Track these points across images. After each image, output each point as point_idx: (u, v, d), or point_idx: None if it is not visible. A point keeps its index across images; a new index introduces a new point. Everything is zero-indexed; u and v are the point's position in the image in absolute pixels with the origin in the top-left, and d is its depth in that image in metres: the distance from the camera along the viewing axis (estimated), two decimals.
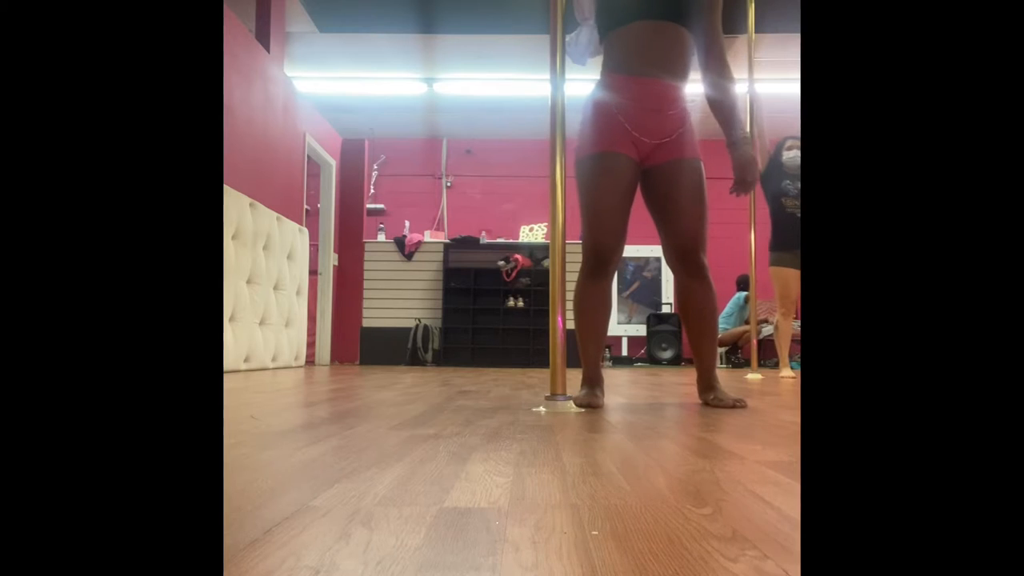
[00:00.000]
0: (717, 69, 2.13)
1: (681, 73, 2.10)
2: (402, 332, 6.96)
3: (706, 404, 2.21)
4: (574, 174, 2.16)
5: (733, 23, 5.02)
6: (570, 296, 2.18)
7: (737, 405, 2.11)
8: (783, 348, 4.60)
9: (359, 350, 7.12)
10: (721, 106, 2.15)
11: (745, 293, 7.36)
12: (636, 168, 2.12)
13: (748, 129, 4.41)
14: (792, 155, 4.51)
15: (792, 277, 4.50)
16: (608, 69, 2.14)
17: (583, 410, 1.97)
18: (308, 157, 6.76)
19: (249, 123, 5.27)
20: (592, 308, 2.17)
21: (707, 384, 2.23)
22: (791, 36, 5.90)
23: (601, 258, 2.11)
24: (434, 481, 0.91)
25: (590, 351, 2.20)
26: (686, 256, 2.13)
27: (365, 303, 7.11)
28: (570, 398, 2.05)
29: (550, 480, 0.93)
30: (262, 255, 5.34)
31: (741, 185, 2.15)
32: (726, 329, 7.24)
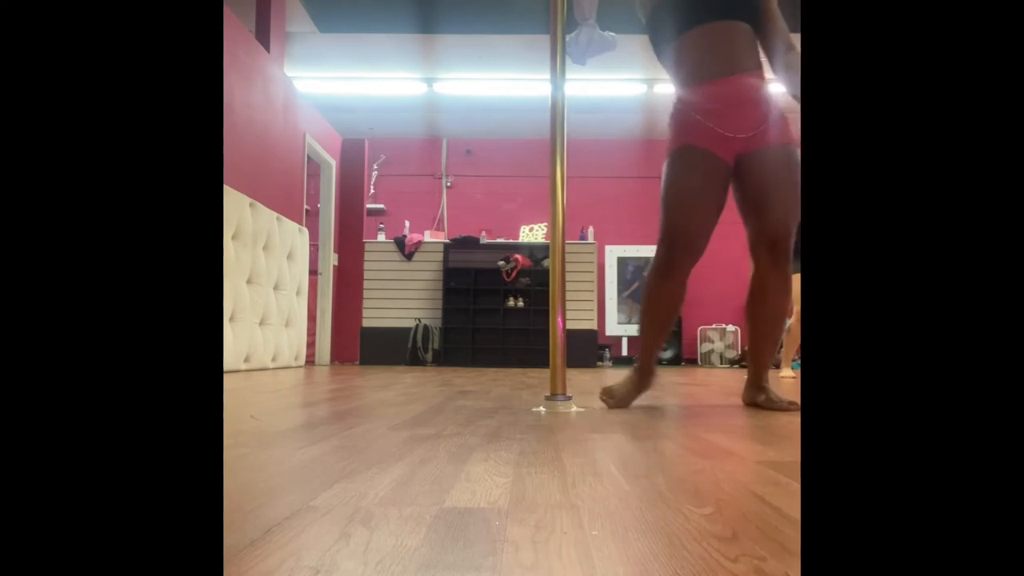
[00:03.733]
0: (794, 64, 2.06)
1: (755, 65, 2.05)
2: (402, 332, 6.96)
3: (754, 406, 2.11)
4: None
5: None
6: (570, 296, 2.17)
7: (791, 408, 2.00)
8: (790, 349, 4.62)
9: (359, 350, 7.12)
10: None
11: None
12: (724, 167, 2.03)
13: None
14: None
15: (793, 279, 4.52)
16: (684, 75, 2.07)
17: (609, 409, 1.93)
18: (308, 157, 6.76)
19: (249, 123, 5.27)
20: (658, 308, 2.09)
21: (759, 385, 2.13)
22: (791, 36, 5.89)
23: (674, 251, 2.01)
24: (434, 481, 0.91)
25: (649, 343, 2.13)
26: (777, 245, 2.01)
27: (365, 303, 7.11)
28: (570, 398, 2.03)
29: (550, 480, 0.93)
30: (262, 255, 5.34)
31: None
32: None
